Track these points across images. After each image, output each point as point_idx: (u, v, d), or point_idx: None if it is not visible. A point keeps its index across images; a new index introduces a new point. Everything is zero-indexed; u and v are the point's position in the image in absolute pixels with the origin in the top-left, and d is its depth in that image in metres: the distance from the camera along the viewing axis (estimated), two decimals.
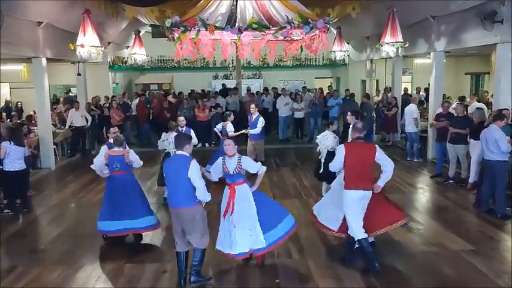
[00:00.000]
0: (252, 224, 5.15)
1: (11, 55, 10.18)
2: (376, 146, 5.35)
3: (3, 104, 15.20)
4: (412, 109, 11.31)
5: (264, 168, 5.32)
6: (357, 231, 5.26)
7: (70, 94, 16.72)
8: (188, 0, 10.19)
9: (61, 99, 15.32)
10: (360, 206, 5.27)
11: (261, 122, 9.67)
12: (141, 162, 6.40)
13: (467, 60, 17.73)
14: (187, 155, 4.89)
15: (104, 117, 14.14)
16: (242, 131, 9.65)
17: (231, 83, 18.94)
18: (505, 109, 7.75)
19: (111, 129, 6.88)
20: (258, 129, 9.65)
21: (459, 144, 8.74)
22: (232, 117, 9.40)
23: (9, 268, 5.63)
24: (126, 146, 6.50)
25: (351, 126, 6.53)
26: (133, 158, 6.24)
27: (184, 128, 8.13)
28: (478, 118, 8.26)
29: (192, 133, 7.91)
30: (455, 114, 9.16)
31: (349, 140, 6.20)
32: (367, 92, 16.31)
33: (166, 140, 7.64)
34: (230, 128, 9.15)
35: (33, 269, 5.61)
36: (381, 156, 5.24)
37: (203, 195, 4.79)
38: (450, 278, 5.19)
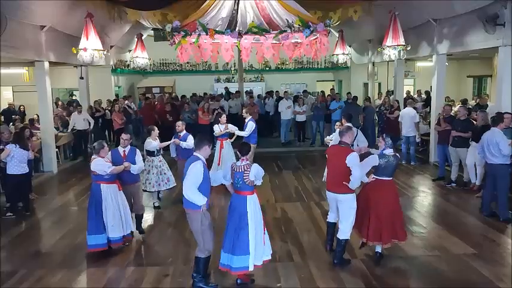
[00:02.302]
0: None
1: (14, 58, 10.23)
2: (353, 152, 5.39)
3: (5, 107, 15.19)
4: (411, 114, 11.28)
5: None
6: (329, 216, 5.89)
7: (74, 97, 16.77)
8: (190, 4, 10.22)
9: (59, 102, 15.30)
10: (331, 202, 5.70)
11: (250, 126, 9.40)
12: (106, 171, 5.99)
13: (469, 63, 17.72)
14: (199, 156, 4.87)
15: (106, 121, 14.19)
16: (227, 131, 9.42)
17: (233, 86, 18.98)
18: (506, 113, 7.74)
19: (123, 135, 6.74)
20: (245, 133, 9.34)
21: (461, 147, 8.73)
22: (224, 118, 9.46)
23: (12, 271, 5.65)
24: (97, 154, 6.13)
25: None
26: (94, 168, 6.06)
27: (183, 133, 8.13)
28: (481, 121, 8.25)
29: (190, 138, 7.94)
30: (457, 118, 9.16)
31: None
32: (368, 95, 16.31)
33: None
34: (216, 129, 9.38)
35: (35, 272, 5.63)
36: (351, 161, 5.25)
37: (185, 196, 4.80)
38: (452, 282, 5.18)
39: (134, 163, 6.44)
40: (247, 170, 4.90)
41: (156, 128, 7.98)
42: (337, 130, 7.50)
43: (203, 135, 5.42)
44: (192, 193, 4.74)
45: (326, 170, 7.49)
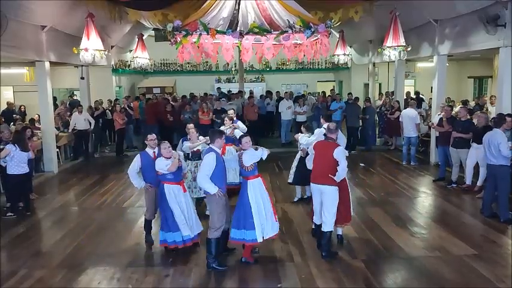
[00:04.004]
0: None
1: (15, 58, 10.23)
2: (339, 146, 5.83)
3: (5, 108, 15.19)
4: (412, 115, 11.29)
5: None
6: (314, 218, 6.17)
7: (74, 97, 16.76)
8: (191, 4, 10.23)
9: (61, 102, 15.33)
10: (316, 198, 5.98)
11: (241, 123, 9.21)
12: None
13: (470, 64, 17.73)
14: (213, 148, 5.49)
15: (107, 121, 14.19)
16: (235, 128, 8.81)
17: (233, 87, 18.97)
18: (508, 115, 7.73)
19: (149, 136, 6.37)
20: (243, 128, 8.91)
21: (462, 148, 8.73)
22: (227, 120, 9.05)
23: (12, 271, 5.65)
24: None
25: (323, 128, 7.00)
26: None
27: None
28: (482, 122, 8.24)
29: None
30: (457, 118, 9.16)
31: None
32: (369, 95, 16.32)
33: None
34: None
35: (35, 272, 5.63)
36: (338, 154, 5.68)
37: (199, 184, 5.55)
38: (452, 282, 5.17)
39: None
40: (240, 157, 5.60)
41: (190, 127, 7.47)
42: (319, 130, 7.43)
43: (214, 129, 6.05)
44: (204, 182, 5.35)
45: (293, 169, 8.05)
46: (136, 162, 6.20)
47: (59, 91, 17.56)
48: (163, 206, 5.95)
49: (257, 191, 5.56)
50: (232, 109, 10.13)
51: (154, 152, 6.27)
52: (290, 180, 8.28)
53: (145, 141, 6.45)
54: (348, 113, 13.81)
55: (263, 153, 5.67)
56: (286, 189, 9.41)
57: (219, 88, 18.74)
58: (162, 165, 5.86)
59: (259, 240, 5.52)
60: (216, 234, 5.47)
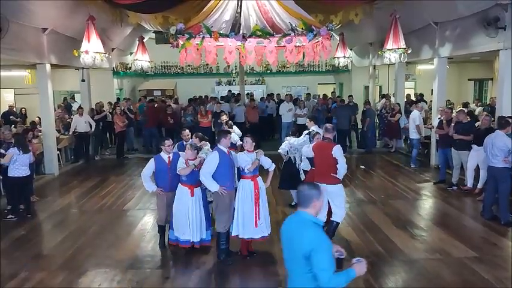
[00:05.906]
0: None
1: (16, 61, 10.25)
2: (337, 145, 6.10)
3: (5, 110, 15.20)
4: (413, 116, 11.33)
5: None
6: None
7: (64, 101, 16.73)
8: (192, 7, 10.25)
9: (58, 106, 15.36)
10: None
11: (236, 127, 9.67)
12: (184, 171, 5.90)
13: (470, 66, 17.73)
14: (219, 147, 5.66)
15: (108, 123, 14.20)
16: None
17: (234, 89, 19.00)
18: (509, 117, 7.72)
19: (166, 141, 6.21)
20: (238, 132, 9.37)
21: (463, 150, 8.73)
22: (224, 117, 9.59)
23: (13, 273, 5.65)
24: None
25: (311, 129, 7.40)
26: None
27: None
28: (486, 124, 8.24)
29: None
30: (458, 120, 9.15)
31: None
32: (369, 98, 16.33)
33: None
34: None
35: (36, 274, 5.63)
36: (337, 153, 5.95)
37: (201, 180, 5.63)
38: (453, 285, 5.17)
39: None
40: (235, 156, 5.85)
41: (186, 133, 7.20)
42: (306, 133, 7.58)
43: (220, 130, 6.38)
44: (205, 179, 5.52)
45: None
46: (150, 166, 6.14)
47: (60, 93, 17.57)
48: (176, 206, 6.02)
49: (244, 191, 5.71)
50: (225, 114, 10.26)
51: (169, 156, 6.17)
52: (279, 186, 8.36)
53: (161, 146, 6.28)
54: (337, 116, 13.71)
55: (248, 164, 5.66)
56: (287, 191, 9.39)
57: (229, 91, 18.71)
58: (178, 165, 5.90)
59: (233, 234, 5.76)
60: (223, 228, 5.71)
